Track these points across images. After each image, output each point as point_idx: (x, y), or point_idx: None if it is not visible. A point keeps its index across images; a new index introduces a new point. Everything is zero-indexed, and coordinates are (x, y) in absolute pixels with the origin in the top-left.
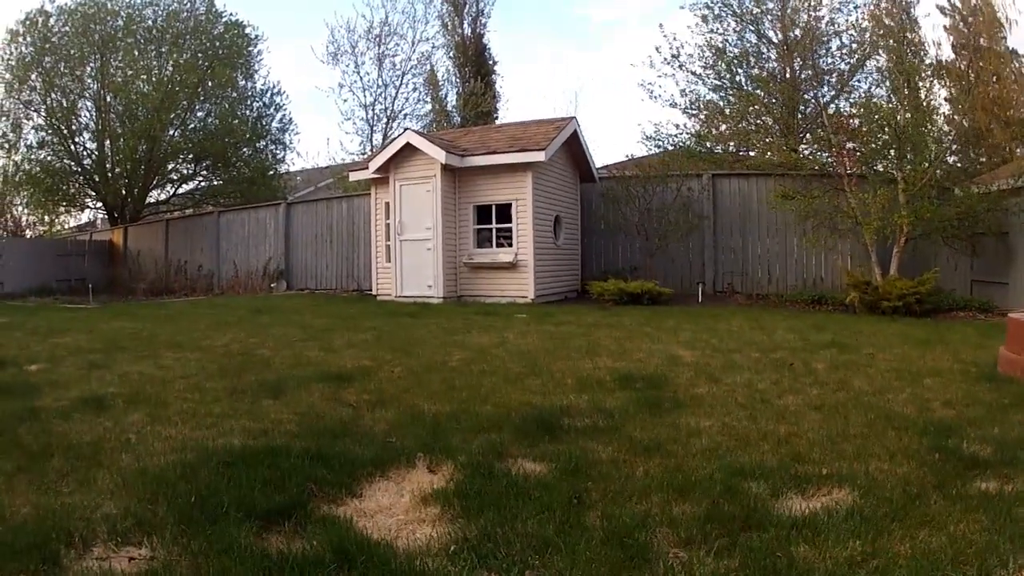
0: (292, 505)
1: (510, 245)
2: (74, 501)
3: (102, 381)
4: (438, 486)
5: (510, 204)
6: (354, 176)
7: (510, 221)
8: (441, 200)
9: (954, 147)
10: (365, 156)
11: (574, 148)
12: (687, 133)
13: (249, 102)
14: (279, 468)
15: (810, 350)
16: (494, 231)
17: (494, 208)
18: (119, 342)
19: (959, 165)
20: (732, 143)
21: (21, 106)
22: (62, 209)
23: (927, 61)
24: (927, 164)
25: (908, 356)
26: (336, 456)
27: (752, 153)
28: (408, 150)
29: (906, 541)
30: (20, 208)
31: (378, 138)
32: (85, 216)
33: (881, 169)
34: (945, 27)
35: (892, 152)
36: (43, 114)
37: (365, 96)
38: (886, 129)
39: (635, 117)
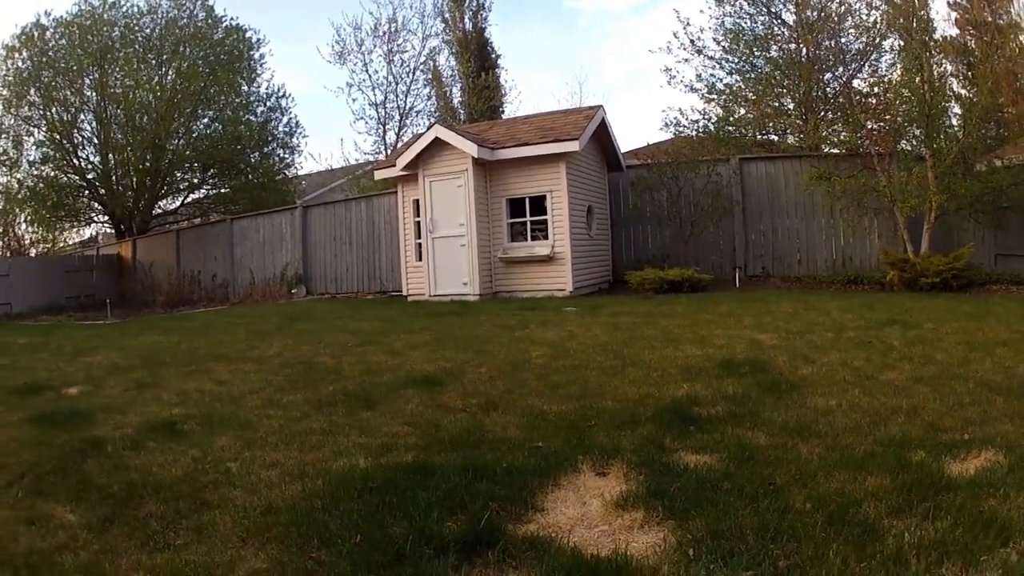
0: (484, 530)
1: (545, 238)
2: (199, 557)
3: (160, 402)
4: (625, 489)
5: (543, 196)
6: (380, 174)
7: (543, 214)
8: (474, 195)
9: (976, 122)
10: (380, 155)
11: (602, 137)
12: (706, 119)
13: (254, 107)
14: (439, 489)
15: (875, 328)
16: (528, 224)
17: (527, 201)
18: (158, 357)
19: (975, 138)
20: (754, 126)
21: (21, 122)
22: (67, 225)
23: (935, 37)
24: (955, 142)
25: (968, 329)
26: (494, 468)
27: (774, 138)
28: (437, 145)
29: None
30: (23, 226)
31: (391, 136)
32: (87, 232)
33: (908, 147)
34: (949, 3)
35: (919, 130)
36: (44, 129)
37: (375, 95)
38: (913, 104)
39: (641, 105)
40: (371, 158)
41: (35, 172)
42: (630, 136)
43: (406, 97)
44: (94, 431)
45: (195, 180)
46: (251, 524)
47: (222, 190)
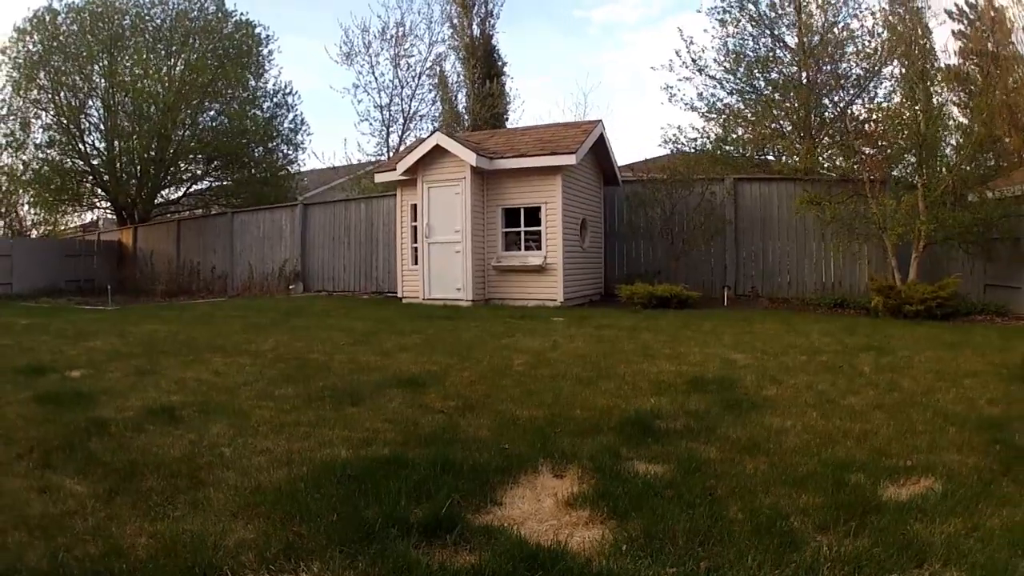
0: (445, 517)
1: (538, 248)
2: (195, 527)
3: (160, 389)
4: (577, 490)
5: (539, 207)
6: (380, 178)
7: (537, 224)
8: (470, 203)
9: (970, 153)
10: (383, 157)
11: (599, 151)
12: (705, 137)
13: (260, 102)
14: (410, 480)
15: (850, 353)
16: (523, 234)
17: (523, 211)
18: (157, 346)
19: (968, 169)
20: (751, 147)
21: (30, 105)
22: (69, 209)
23: (938, 65)
24: (945, 171)
25: (942, 359)
26: (462, 465)
27: (771, 158)
28: (437, 152)
29: (995, 517)
30: (25, 207)
31: (394, 139)
32: (89, 216)
33: (900, 175)
34: (954, 32)
35: (912, 158)
36: (51, 113)
37: (380, 97)
38: (906, 134)
39: (644, 117)
40: (374, 159)
41: (40, 155)
42: (632, 147)
43: (411, 101)
44: (98, 412)
45: (198, 171)
46: (241, 501)
47: (225, 182)
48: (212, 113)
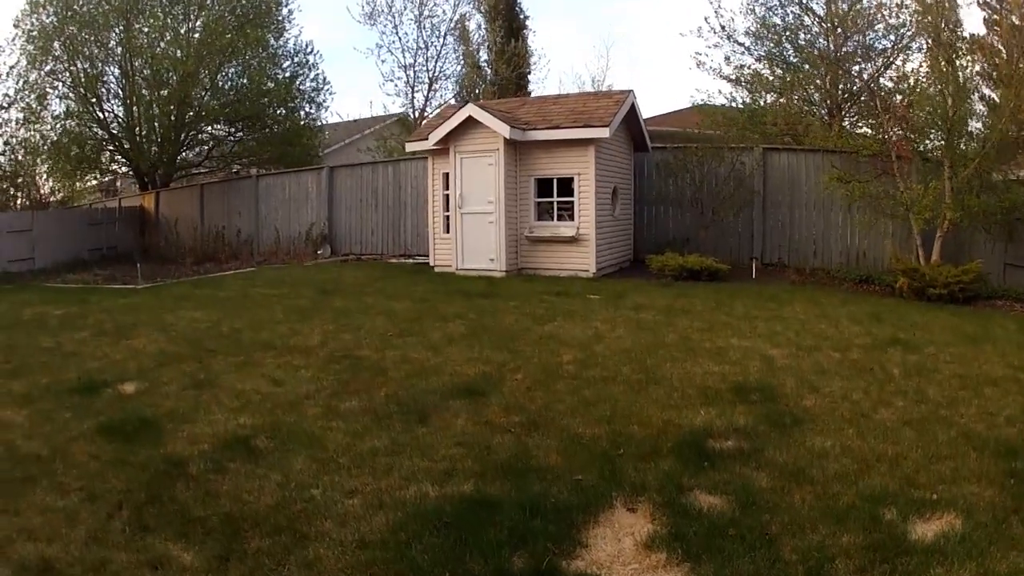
0: (546, 569)
1: (570, 218)
2: None
3: (223, 408)
4: (651, 529)
5: (571, 178)
6: (411, 147)
7: (570, 195)
8: (504, 174)
9: (998, 129)
10: (408, 117)
11: (630, 119)
12: (733, 102)
13: (281, 61)
14: (503, 526)
15: (879, 348)
16: (555, 204)
17: (555, 182)
18: (202, 342)
19: (998, 141)
20: (781, 116)
21: (45, 77)
22: (87, 177)
23: (964, 36)
24: (979, 144)
25: (965, 357)
26: (545, 505)
27: (799, 128)
28: (469, 123)
29: (1003, 562)
30: (44, 178)
31: (419, 99)
32: (107, 177)
33: (929, 147)
34: (979, 3)
35: (939, 134)
36: (68, 83)
37: (404, 57)
38: (931, 110)
39: (669, 65)
40: (398, 116)
41: (58, 125)
42: (657, 96)
43: (436, 61)
44: (170, 447)
45: (220, 133)
46: (351, 559)
47: (249, 143)
48: (232, 73)
